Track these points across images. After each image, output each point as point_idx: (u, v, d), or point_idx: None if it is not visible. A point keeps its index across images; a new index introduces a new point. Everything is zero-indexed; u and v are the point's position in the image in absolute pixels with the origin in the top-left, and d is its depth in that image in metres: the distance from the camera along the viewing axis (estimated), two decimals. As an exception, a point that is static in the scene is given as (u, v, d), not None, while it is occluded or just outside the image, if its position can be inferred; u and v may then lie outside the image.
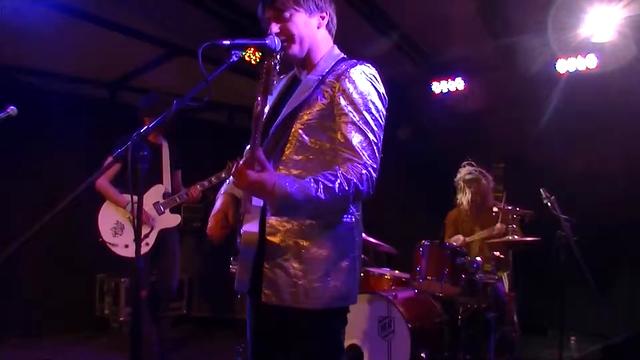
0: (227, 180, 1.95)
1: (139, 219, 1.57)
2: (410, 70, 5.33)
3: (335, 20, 1.84)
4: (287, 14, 1.70)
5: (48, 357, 4.22)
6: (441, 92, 5.41)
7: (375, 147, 1.61)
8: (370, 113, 1.62)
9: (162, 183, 3.81)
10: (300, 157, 1.66)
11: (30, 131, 4.35)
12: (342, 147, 1.60)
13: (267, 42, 1.65)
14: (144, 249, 3.60)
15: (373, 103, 1.64)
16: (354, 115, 1.60)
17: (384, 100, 1.69)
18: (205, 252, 5.94)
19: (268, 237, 1.65)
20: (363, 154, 1.57)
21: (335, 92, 1.64)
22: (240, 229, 1.70)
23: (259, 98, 1.52)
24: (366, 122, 1.60)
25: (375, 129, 1.62)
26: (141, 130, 1.54)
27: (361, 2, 4.10)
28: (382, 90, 1.70)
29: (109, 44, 4.51)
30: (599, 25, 4.19)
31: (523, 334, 4.04)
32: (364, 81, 1.65)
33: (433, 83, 5.42)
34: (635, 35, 4.20)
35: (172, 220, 3.82)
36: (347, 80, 1.64)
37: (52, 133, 4.75)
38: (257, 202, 1.66)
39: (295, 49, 1.73)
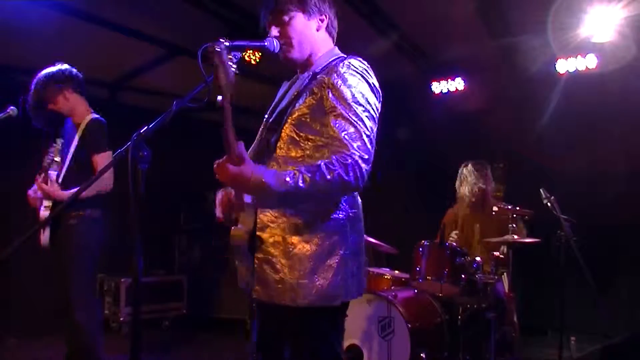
0: None
1: (137, 221, 1.55)
2: (410, 70, 5.33)
3: (335, 23, 1.84)
4: (287, 18, 1.71)
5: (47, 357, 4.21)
6: (441, 92, 5.40)
7: (366, 138, 1.57)
8: (361, 105, 1.59)
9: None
10: (293, 152, 1.66)
11: (30, 131, 4.34)
12: (331, 139, 1.57)
13: (265, 44, 1.68)
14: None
15: (363, 95, 1.61)
16: (343, 108, 1.58)
17: (376, 93, 1.66)
18: (204, 252, 5.93)
19: (258, 233, 1.65)
20: (351, 144, 1.54)
21: (325, 88, 1.63)
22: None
23: (220, 98, 1.51)
24: (356, 114, 1.57)
25: (366, 120, 1.59)
26: (141, 131, 1.54)
27: (361, 2, 4.10)
28: (373, 82, 1.66)
29: (109, 44, 4.50)
30: (599, 25, 4.19)
31: (523, 334, 4.03)
32: (353, 74, 1.62)
33: (433, 83, 5.42)
34: (635, 35, 4.20)
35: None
36: (335, 74, 1.63)
37: (52, 133, 4.74)
38: (250, 199, 1.67)
39: (294, 53, 1.74)
